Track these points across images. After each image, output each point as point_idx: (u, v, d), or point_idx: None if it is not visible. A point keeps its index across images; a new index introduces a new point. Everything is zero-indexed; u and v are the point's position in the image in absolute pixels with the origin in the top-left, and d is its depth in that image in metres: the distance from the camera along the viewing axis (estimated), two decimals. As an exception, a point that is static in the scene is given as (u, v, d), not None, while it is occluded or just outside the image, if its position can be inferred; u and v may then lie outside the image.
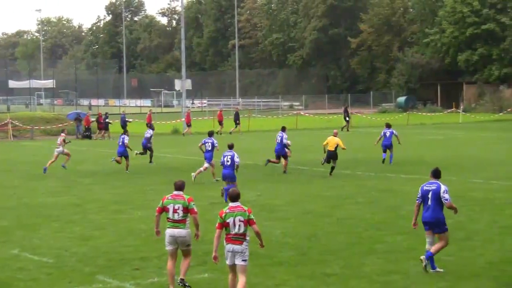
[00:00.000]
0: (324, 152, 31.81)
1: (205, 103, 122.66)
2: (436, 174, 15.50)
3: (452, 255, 16.12)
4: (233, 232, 13.10)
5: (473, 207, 22.57)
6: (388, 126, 36.27)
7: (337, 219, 21.33)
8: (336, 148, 31.15)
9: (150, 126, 39.92)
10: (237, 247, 13.09)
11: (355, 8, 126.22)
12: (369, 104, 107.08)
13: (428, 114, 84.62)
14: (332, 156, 31.31)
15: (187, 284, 14.33)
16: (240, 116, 65.06)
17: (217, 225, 13.25)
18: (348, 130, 61.91)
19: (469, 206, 22.56)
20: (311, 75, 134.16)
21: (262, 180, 28.63)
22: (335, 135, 31.74)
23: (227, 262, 13.27)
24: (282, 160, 32.78)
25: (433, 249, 15.27)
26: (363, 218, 21.37)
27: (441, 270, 15.26)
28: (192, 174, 29.34)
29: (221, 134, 59.76)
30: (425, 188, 15.39)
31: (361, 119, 76.69)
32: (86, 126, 60.83)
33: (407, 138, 41.69)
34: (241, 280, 13.09)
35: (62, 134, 36.67)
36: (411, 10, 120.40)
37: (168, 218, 14.32)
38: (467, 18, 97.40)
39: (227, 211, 13.18)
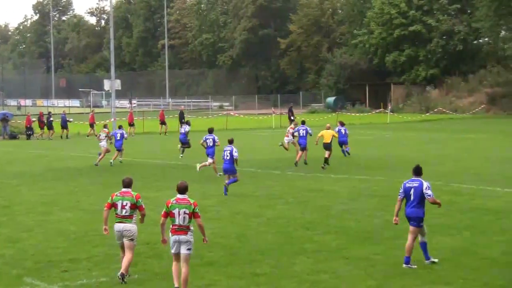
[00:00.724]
0: (316, 144, 34.72)
1: (135, 103, 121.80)
2: (418, 171, 16.05)
3: (380, 253, 16.29)
4: (177, 224, 13.63)
5: (400, 206, 22.82)
6: (342, 124, 38.69)
7: (267, 219, 21.39)
8: (331, 140, 33.99)
9: (187, 122, 41.57)
10: (182, 237, 13.66)
11: (284, 8, 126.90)
12: (298, 104, 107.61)
13: (357, 114, 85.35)
14: (327, 147, 33.94)
15: (125, 280, 14.56)
16: (170, 116, 64.73)
17: (162, 213, 13.90)
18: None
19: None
20: (241, 75, 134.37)
21: (192, 180, 28.54)
22: (328, 128, 34.70)
23: (172, 251, 13.83)
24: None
25: (407, 252, 15.62)
26: (293, 218, 21.47)
27: (436, 259, 15.87)
28: (197, 165, 31.93)
29: (166, 134, 60.37)
30: (407, 185, 15.85)
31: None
32: (28, 126, 60.35)
33: (337, 138, 42.02)
34: (184, 269, 13.66)
35: (105, 129, 37.54)
36: (340, 11, 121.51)
37: (116, 214, 14.86)
38: (394, 19, 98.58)
39: (174, 202, 13.76)
